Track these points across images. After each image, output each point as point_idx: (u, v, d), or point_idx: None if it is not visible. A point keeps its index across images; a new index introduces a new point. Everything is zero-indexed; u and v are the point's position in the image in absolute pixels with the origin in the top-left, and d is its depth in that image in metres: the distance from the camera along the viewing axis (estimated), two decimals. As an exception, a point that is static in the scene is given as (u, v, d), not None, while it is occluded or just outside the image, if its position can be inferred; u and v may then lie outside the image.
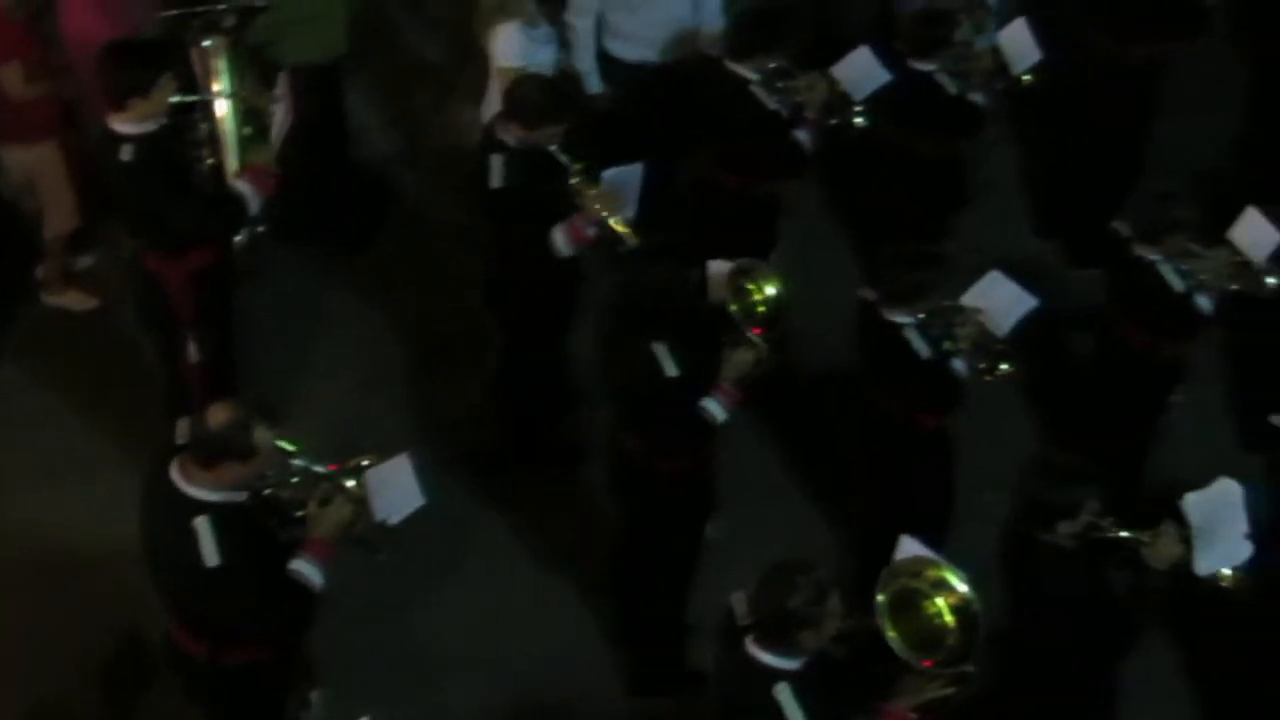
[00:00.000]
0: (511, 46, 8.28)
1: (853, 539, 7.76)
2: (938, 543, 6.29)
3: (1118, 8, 8.71)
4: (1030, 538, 6.16)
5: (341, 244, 9.19)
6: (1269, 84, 9.75)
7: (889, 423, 7.27)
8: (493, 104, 8.13)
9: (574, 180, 7.32)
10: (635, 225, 7.37)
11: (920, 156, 8.50)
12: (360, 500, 6.04)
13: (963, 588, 5.74)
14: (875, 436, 7.42)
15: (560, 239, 7.38)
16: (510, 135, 7.40)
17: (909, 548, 5.99)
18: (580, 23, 8.63)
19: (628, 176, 7.47)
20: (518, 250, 7.55)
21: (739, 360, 6.78)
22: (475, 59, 8.82)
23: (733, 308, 6.85)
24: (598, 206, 7.30)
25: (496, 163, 7.39)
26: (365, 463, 6.10)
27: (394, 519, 6.14)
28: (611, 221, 7.31)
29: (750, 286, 6.90)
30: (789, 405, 8.26)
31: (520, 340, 7.94)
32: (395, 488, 6.14)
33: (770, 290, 6.90)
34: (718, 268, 6.93)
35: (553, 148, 7.35)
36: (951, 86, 8.29)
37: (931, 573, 5.78)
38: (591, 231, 7.36)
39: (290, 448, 6.07)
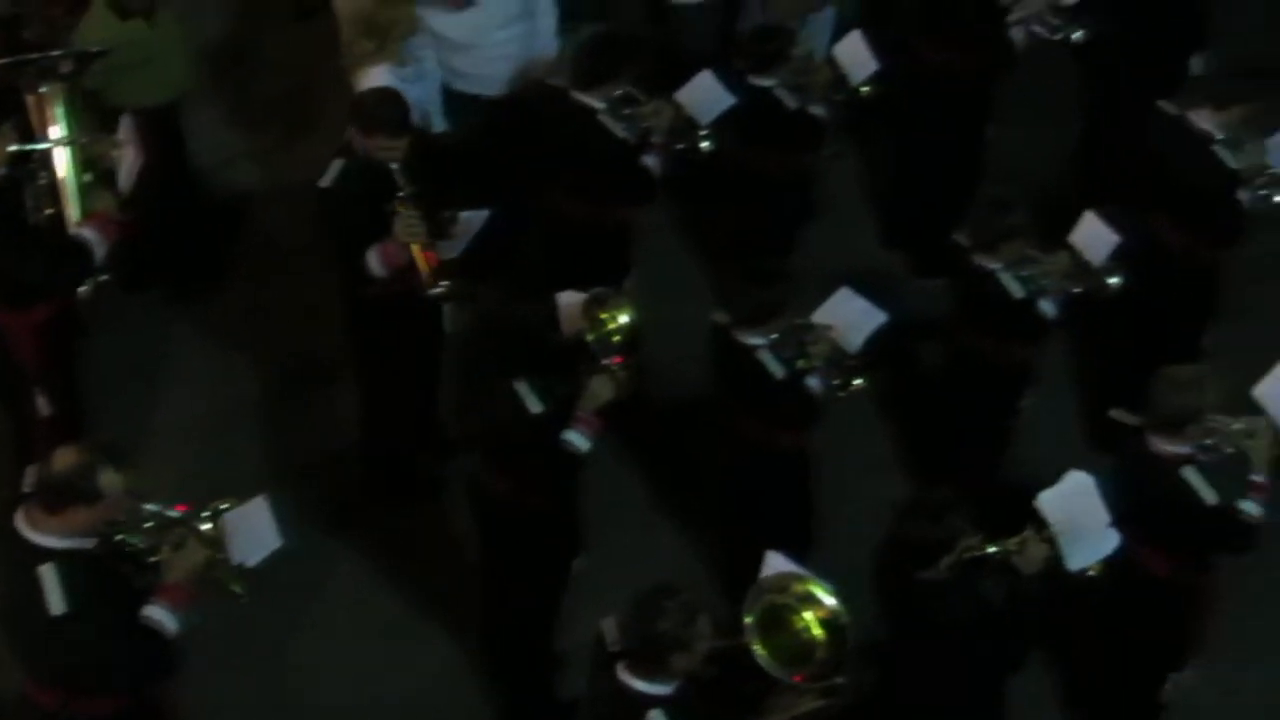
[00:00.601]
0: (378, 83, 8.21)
1: (719, 560, 7.80)
2: (803, 557, 6.34)
3: (946, 19, 8.84)
4: (910, 575, 6.21)
5: (192, 283, 9.11)
6: (1101, 90, 9.98)
7: (747, 443, 7.33)
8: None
9: (399, 201, 7.28)
10: (445, 265, 7.42)
11: (765, 173, 8.59)
12: (216, 543, 5.95)
13: (830, 600, 5.80)
14: (735, 457, 7.48)
15: (374, 260, 7.35)
16: (356, 143, 7.38)
17: (775, 564, 6.04)
18: (424, 66, 8.60)
19: (473, 220, 7.49)
20: (343, 270, 7.51)
21: (598, 390, 6.78)
22: (339, 94, 8.74)
23: (589, 338, 6.85)
24: (409, 231, 7.29)
25: (335, 165, 7.40)
26: (222, 506, 6.03)
27: (251, 561, 6.05)
28: (415, 251, 7.33)
29: (604, 316, 6.89)
30: (649, 431, 8.29)
31: (379, 373, 7.91)
32: (252, 530, 6.06)
33: (624, 319, 6.89)
34: (569, 299, 6.93)
35: (394, 166, 7.32)
36: (791, 101, 8.37)
37: (798, 587, 5.83)
38: (404, 257, 7.35)
39: (141, 491, 5.98)
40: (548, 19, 8.88)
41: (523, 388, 6.70)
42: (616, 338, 6.87)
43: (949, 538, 6.10)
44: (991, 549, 6.14)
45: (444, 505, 8.09)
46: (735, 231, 8.87)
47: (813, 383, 7.15)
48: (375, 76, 8.15)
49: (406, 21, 8.28)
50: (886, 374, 8.03)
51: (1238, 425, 6.59)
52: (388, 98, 7.52)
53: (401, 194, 7.26)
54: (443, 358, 8.11)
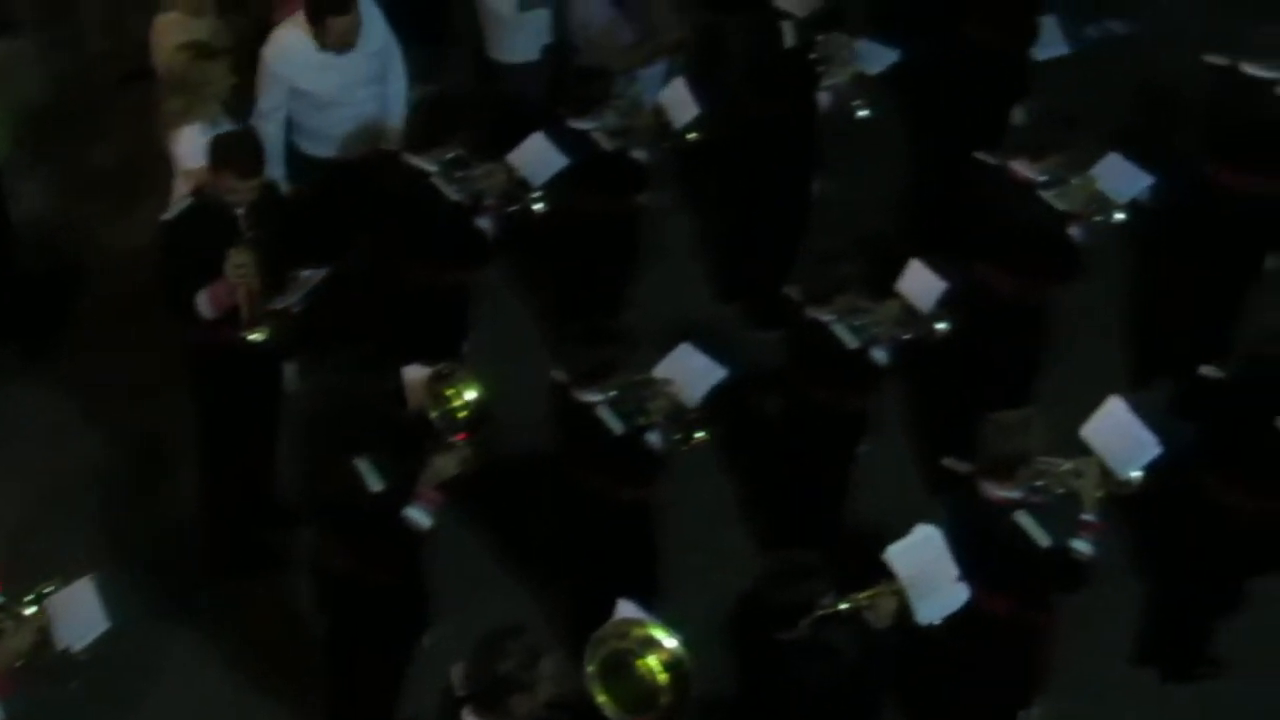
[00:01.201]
0: (195, 148, 8.10)
1: (568, 618, 7.79)
2: (650, 609, 6.36)
3: (767, 72, 8.96)
4: (768, 636, 6.24)
5: (22, 351, 8.96)
6: (925, 139, 10.21)
7: (591, 499, 7.35)
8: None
9: (235, 245, 7.26)
10: (270, 314, 7.40)
11: (586, 217, 8.61)
12: (41, 629, 5.82)
13: (671, 643, 5.83)
14: (579, 514, 7.49)
15: (203, 301, 7.31)
16: (206, 181, 7.38)
17: (624, 610, 6.06)
18: (268, 128, 8.54)
19: (311, 278, 7.44)
20: (172, 311, 7.45)
21: (441, 467, 6.74)
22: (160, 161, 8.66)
23: (433, 414, 6.79)
24: (238, 273, 7.26)
25: (182, 201, 7.41)
26: (46, 589, 5.89)
27: (78, 646, 5.91)
28: (242, 295, 7.29)
29: (449, 392, 6.83)
30: (494, 494, 8.27)
31: (215, 433, 7.83)
32: (78, 613, 5.92)
33: (470, 395, 6.82)
34: (414, 374, 6.88)
35: (239, 210, 7.28)
36: (608, 144, 8.42)
37: (638, 632, 5.86)
38: (231, 300, 7.32)
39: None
40: (399, 83, 8.89)
41: (364, 465, 6.65)
42: (462, 414, 6.81)
43: (809, 601, 6.15)
44: (844, 605, 6.21)
45: (288, 578, 8.00)
46: (566, 286, 8.94)
47: (653, 438, 7.18)
48: (188, 137, 8.06)
49: (219, 81, 8.17)
50: (726, 426, 8.09)
51: (1067, 466, 6.73)
52: (243, 138, 7.54)
53: (243, 237, 7.25)
54: (281, 421, 8.04)
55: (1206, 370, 7.46)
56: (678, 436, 7.16)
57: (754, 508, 8.51)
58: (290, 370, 7.95)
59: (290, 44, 8.55)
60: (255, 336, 7.43)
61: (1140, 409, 7.01)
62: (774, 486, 8.30)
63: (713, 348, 7.43)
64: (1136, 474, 6.78)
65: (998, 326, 8.17)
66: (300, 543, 7.80)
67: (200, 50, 8.15)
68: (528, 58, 9.55)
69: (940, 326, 7.61)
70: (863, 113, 8.75)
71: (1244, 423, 7.24)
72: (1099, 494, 6.72)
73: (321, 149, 8.75)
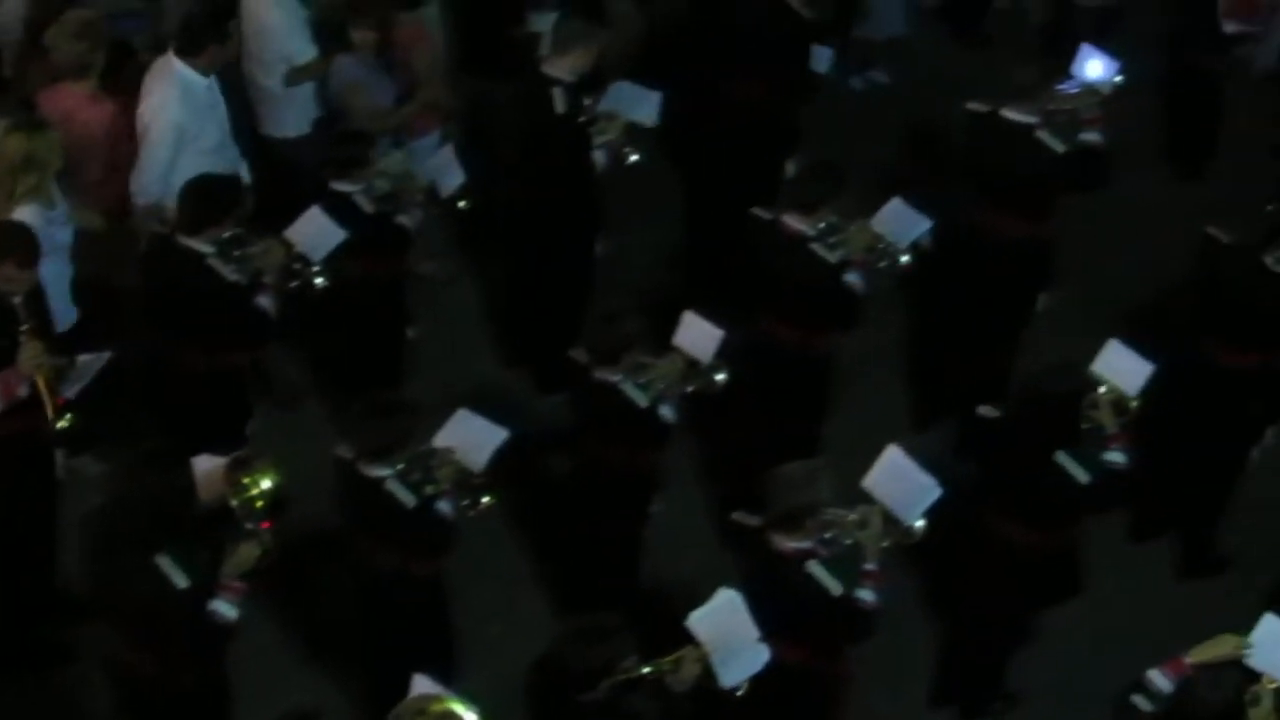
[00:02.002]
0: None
1: (367, 694, 7.67)
2: (448, 680, 6.32)
3: (543, 136, 9.00)
4: (568, 699, 6.20)
5: None
6: (698, 195, 10.33)
7: (384, 574, 7.26)
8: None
9: (25, 333, 7.16)
10: (72, 404, 7.30)
11: (352, 283, 8.51)
12: None
13: (470, 716, 5.78)
14: (373, 590, 7.39)
15: None
16: None
17: (421, 686, 6.02)
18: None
19: (91, 364, 7.32)
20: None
21: (244, 556, 6.62)
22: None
23: (233, 504, 6.66)
24: (33, 363, 7.16)
25: None
26: None
27: None
28: (41, 385, 7.18)
29: (246, 480, 6.69)
30: (286, 576, 8.12)
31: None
32: None
33: (266, 483, 6.69)
34: (206, 465, 6.75)
35: (16, 299, 7.18)
36: (368, 206, 8.38)
37: (436, 707, 5.80)
38: (24, 390, 7.19)
39: None
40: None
41: (166, 563, 6.50)
42: (260, 503, 6.68)
43: (610, 663, 6.13)
44: (646, 669, 6.20)
45: (73, 676, 7.77)
46: (342, 358, 8.87)
47: (443, 506, 7.13)
48: (21, 217, 7.91)
49: (57, 157, 8.06)
50: (516, 490, 8.07)
51: (853, 517, 6.81)
52: (18, 230, 7.43)
53: (24, 327, 7.14)
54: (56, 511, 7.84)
55: (984, 410, 7.63)
56: (466, 502, 7.13)
57: (549, 572, 8.49)
58: (61, 455, 7.75)
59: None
60: (63, 425, 7.29)
61: (919, 453, 7.13)
62: (567, 549, 8.28)
63: (492, 410, 7.39)
64: (920, 523, 6.89)
65: (781, 377, 8.28)
66: (90, 637, 7.56)
67: (34, 124, 8.07)
68: (299, 132, 9.53)
69: (718, 378, 7.67)
70: (633, 157, 8.84)
71: (1022, 459, 7.40)
72: (883, 544, 6.81)
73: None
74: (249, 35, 9.39)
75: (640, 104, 8.96)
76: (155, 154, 8.53)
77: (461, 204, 8.62)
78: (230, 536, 6.66)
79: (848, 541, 6.75)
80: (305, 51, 9.38)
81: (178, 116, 8.53)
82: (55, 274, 8.09)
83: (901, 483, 6.96)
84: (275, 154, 9.56)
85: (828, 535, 6.72)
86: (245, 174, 9.03)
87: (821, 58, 9.82)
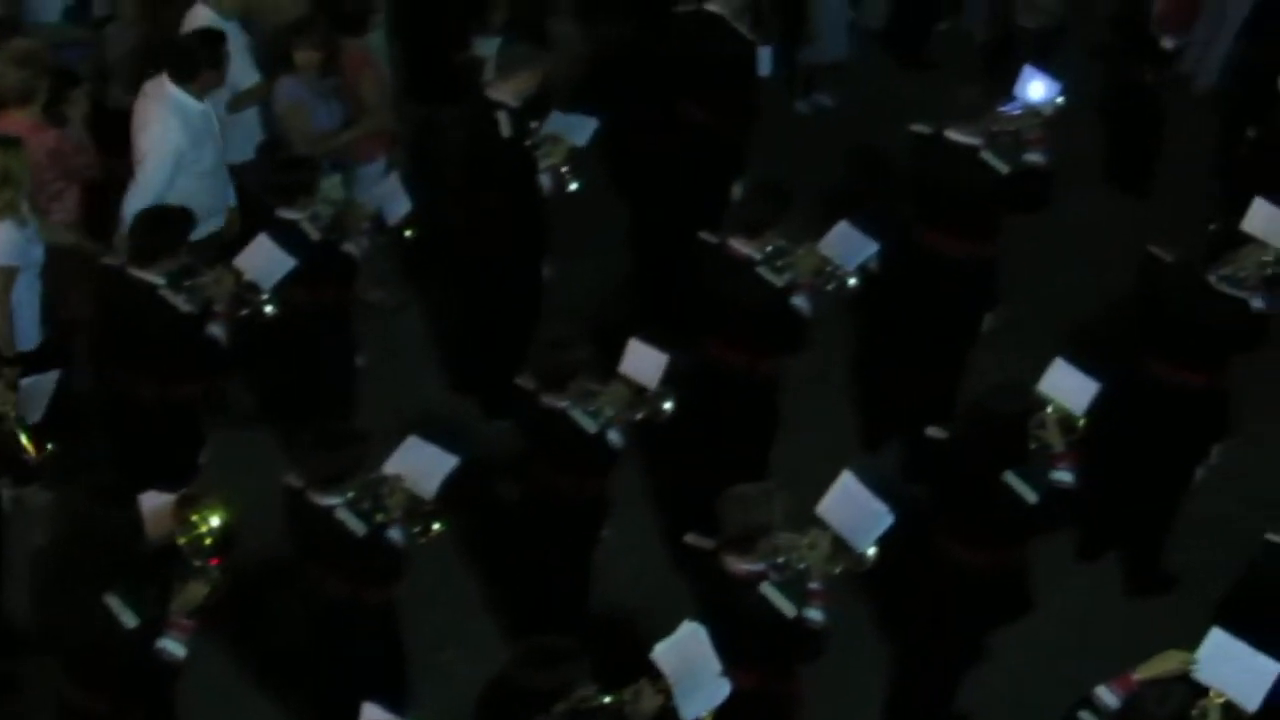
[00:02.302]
0: (6, 245, 8.05)
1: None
2: (399, 709, 6.33)
3: (489, 160, 9.00)
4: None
5: None
6: (644, 219, 10.37)
7: (335, 603, 7.23)
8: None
9: None
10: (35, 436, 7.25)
11: (300, 309, 8.51)
12: None
13: None
14: (323, 620, 7.36)
15: None
16: None
17: (372, 714, 6.06)
18: None
19: (43, 384, 7.31)
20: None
21: (192, 594, 6.57)
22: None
23: (181, 541, 6.61)
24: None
25: None
26: None
27: None
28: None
29: (195, 518, 6.64)
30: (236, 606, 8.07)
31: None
32: None
33: (215, 520, 6.64)
34: (154, 501, 6.69)
35: None
36: (314, 233, 8.37)
37: None
38: None
39: None
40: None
41: (114, 602, 6.44)
42: (209, 540, 6.64)
43: (563, 686, 6.10)
44: (606, 699, 6.19)
45: (17, 708, 7.69)
46: (292, 387, 8.85)
47: (394, 534, 7.11)
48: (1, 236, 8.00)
49: (26, 174, 8.09)
50: (466, 517, 8.06)
51: (804, 540, 6.83)
52: None
53: None
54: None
55: (932, 431, 7.65)
56: (417, 529, 7.11)
57: (499, 598, 8.47)
58: (6, 488, 7.71)
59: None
60: (45, 454, 7.31)
61: (872, 478, 7.14)
62: (517, 575, 8.26)
63: (444, 438, 7.38)
64: (872, 551, 6.90)
65: (728, 401, 8.29)
66: (36, 669, 7.48)
67: (6, 140, 8.08)
68: (244, 157, 9.51)
69: (666, 405, 7.70)
70: (573, 185, 8.84)
71: (970, 480, 7.43)
72: (834, 569, 6.83)
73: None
74: None
75: (576, 130, 8.98)
76: (152, 177, 8.62)
77: (408, 232, 8.60)
78: (179, 574, 6.60)
79: (800, 565, 6.76)
80: (248, 77, 9.39)
81: (177, 141, 8.62)
82: (26, 292, 8.15)
83: (854, 509, 6.99)
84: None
85: (780, 559, 6.73)
86: (232, 199, 9.13)
87: (764, 60, 9.87)
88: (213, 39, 8.91)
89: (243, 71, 9.35)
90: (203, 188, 8.73)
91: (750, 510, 6.73)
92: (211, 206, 8.72)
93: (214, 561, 6.63)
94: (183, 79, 8.68)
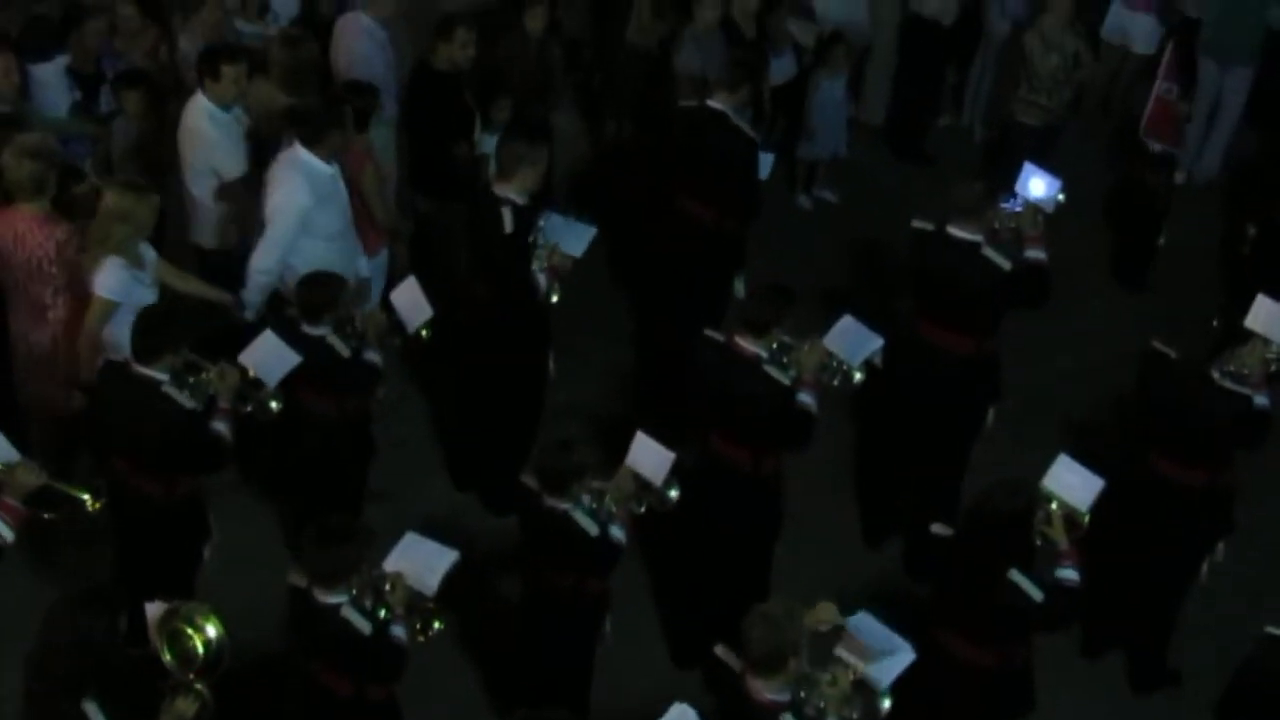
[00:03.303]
0: (112, 280, 8.34)
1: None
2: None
3: (486, 264, 9.07)
4: None
5: None
6: (648, 315, 10.40)
7: (337, 700, 7.17)
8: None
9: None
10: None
11: (320, 417, 8.55)
12: None
13: None
14: (326, 717, 7.29)
15: None
16: None
17: None
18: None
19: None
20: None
21: (180, 709, 6.50)
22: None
23: (166, 656, 6.56)
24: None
25: None
26: None
27: None
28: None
29: (186, 629, 6.57)
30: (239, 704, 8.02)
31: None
32: None
33: (211, 631, 6.57)
34: (157, 610, 6.62)
35: None
36: (344, 349, 8.40)
37: None
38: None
39: None
40: None
41: (92, 709, 6.36)
42: (201, 652, 6.57)
43: None
44: None
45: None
46: (304, 484, 8.81)
47: (398, 631, 7.06)
48: (109, 268, 8.30)
49: (143, 217, 8.39)
50: (466, 613, 8.02)
51: (825, 677, 6.67)
52: None
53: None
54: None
55: (936, 528, 7.62)
56: (419, 626, 7.07)
57: (499, 695, 8.42)
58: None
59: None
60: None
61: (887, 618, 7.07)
62: (518, 671, 8.21)
63: (441, 533, 7.35)
64: (887, 703, 6.82)
65: (734, 497, 8.27)
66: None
67: (139, 186, 8.45)
68: (225, 245, 9.64)
69: (672, 495, 7.68)
70: (554, 299, 8.96)
71: (975, 578, 7.40)
72: (852, 713, 6.70)
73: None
74: (182, 139, 9.47)
75: (573, 239, 9.05)
76: (278, 236, 8.86)
77: (424, 334, 8.61)
78: (168, 687, 6.52)
79: (819, 704, 6.66)
80: (234, 168, 9.44)
81: (304, 201, 8.85)
82: (126, 330, 8.23)
83: (874, 646, 6.90)
84: (202, 262, 9.65)
85: (802, 693, 6.65)
86: (364, 268, 9.36)
87: (764, 164, 9.94)
88: (336, 99, 9.30)
89: (228, 161, 9.43)
90: (330, 250, 8.94)
91: (777, 631, 6.61)
92: (341, 269, 8.83)
93: (200, 674, 6.54)
94: (311, 142, 8.91)
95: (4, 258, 8.55)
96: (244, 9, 10.91)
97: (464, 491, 9.55)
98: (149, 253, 8.63)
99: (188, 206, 9.63)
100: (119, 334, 8.27)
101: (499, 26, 11.16)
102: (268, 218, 8.93)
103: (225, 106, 9.39)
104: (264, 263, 8.89)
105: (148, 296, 8.48)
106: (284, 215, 8.87)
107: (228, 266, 9.39)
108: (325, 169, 8.97)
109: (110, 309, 8.37)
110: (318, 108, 9.10)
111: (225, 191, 9.47)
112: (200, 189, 9.48)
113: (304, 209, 8.86)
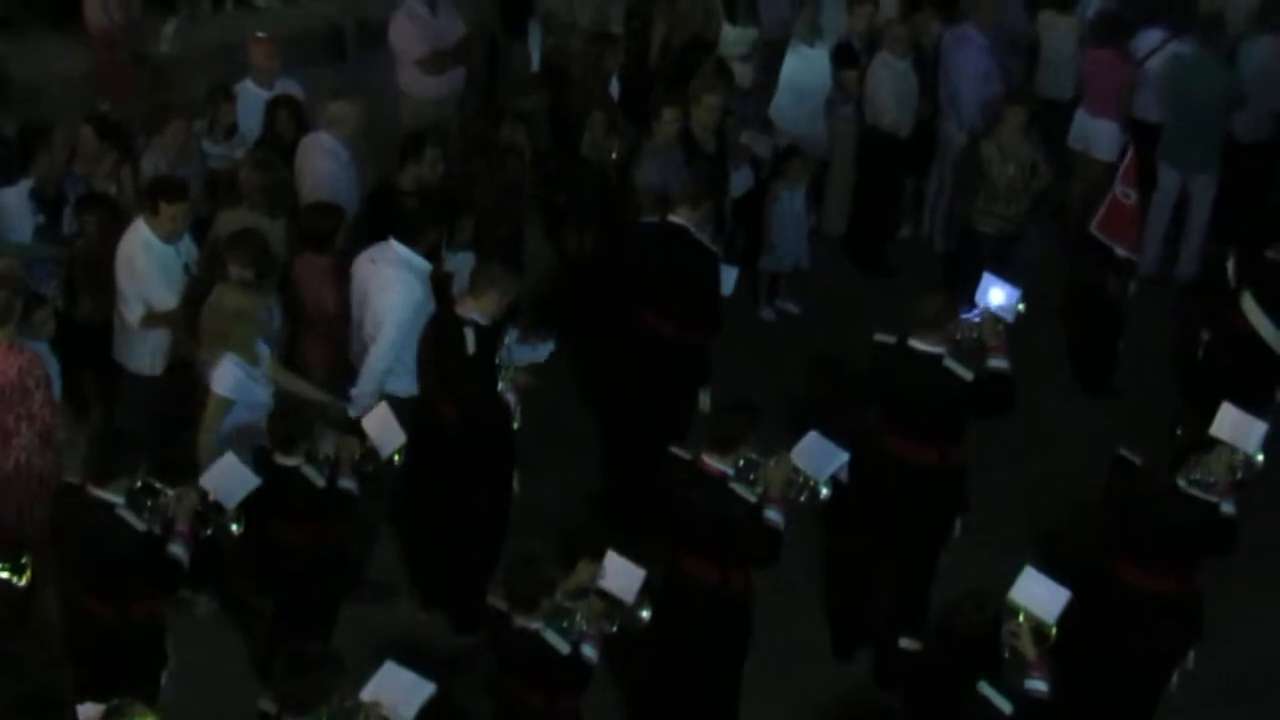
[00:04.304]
0: (228, 379, 8.67)
1: None
2: None
3: (451, 378, 9.09)
4: None
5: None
6: (613, 430, 10.39)
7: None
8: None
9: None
10: None
11: (297, 548, 8.50)
12: None
13: None
14: None
15: None
16: None
17: None
18: None
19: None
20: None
21: None
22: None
23: None
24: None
25: None
26: None
27: None
28: None
29: None
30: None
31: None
32: None
33: None
34: (91, 713, 6.60)
35: None
36: (318, 477, 8.37)
37: None
38: None
39: None
40: None
41: None
42: None
43: None
44: None
45: None
46: (275, 616, 8.75)
47: (372, 762, 6.99)
48: (225, 366, 8.64)
49: (260, 316, 8.73)
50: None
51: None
52: None
53: None
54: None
55: (905, 642, 7.63)
56: (393, 756, 7.01)
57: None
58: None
59: None
60: None
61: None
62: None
63: (417, 662, 7.30)
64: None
65: (702, 614, 8.24)
66: None
67: (254, 285, 8.85)
68: (151, 371, 9.68)
69: (643, 614, 7.67)
70: (515, 425, 9.05)
71: (944, 691, 7.38)
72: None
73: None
74: (118, 262, 9.48)
75: (531, 353, 9.21)
76: (395, 334, 9.15)
77: (397, 459, 8.57)
78: None
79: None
80: (164, 300, 9.43)
81: (420, 295, 9.24)
82: (251, 431, 8.64)
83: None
84: (129, 386, 9.71)
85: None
86: None
87: (728, 278, 10.00)
88: (430, 195, 9.76)
89: (159, 293, 9.42)
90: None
91: None
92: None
93: None
94: (410, 238, 9.23)
95: (-34, 384, 8.51)
96: (211, 131, 10.95)
97: (430, 610, 9.49)
98: (263, 349, 8.83)
99: (117, 328, 9.66)
100: (231, 429, 8.68)
101: (472, 140, 11.34)
102: (381, 318, 9.12)
103: (167, 239, 9.40)
104: (382, 361, 9.12)
105: (261, 394, 8.78)
106: (404, 311, 9.12)
107: (146, 392, 9.49)
108: (425, 264, 9.28)
109: (226, 406, 8.67)
110: (415, 206, 9.47)
111: (151, 320, 9.48)
112: (130, 314, 9.51)
113: (420, 304, 9.15)
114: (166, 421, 9.39)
